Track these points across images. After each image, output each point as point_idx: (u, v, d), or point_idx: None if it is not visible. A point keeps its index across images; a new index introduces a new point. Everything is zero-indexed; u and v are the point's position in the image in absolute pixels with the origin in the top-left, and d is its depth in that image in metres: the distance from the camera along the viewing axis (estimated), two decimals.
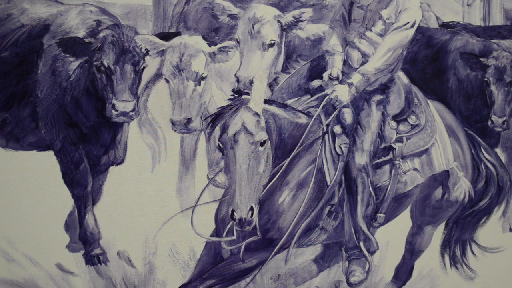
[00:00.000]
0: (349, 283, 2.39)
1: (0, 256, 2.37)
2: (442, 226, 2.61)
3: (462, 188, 2.52)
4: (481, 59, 2.63)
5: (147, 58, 2.45)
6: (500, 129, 2.63)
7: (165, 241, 2.42)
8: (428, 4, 2.67)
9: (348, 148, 2.33)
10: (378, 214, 2.39)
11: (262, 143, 2.17)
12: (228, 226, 2.30)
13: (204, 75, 2.46)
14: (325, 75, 2.36)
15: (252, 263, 2.32)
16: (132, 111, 2.39)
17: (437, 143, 2.46)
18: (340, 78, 2.35)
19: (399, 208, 2.47)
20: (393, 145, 2.39)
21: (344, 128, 2.34)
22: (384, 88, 2.38)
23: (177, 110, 2.41)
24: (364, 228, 2.34)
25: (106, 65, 2.40)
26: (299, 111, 2.33)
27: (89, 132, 2.49)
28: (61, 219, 2.46)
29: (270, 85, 2.52)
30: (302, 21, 2.52)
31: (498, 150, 2.70)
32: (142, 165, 2.46)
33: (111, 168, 2.54)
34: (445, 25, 2.78)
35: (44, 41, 2.48)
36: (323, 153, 2.33)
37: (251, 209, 2.14)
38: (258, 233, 2.24)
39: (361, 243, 2.34)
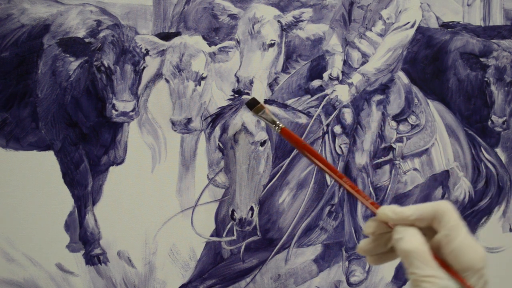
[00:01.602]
0: (349, 283, 2.39)
1: (0, 256, 2.37)
2: None
3: (462, 188, 2.52)
4: (481, 59, 2.63)
5: (147, 58, 2.45)
6: (500, 129, 2.63)
7: (165, 241, 2.42)
8: (428, 4, 2.66)
9: (348, 148, 2.33)
10: None
11: (262, 143, 2.17)
12: (228, 226, 2.30)
13: (204, 75, 2.46)
14: (325, 75, 2.37)
15: (252, 263, 2.32)
16: (132, 111, 2.39)
17: (437, 143, 2.46)
18: (340, 78, 2.35)
19: None
20: (393, 145, 2.39)
21: (344, 128, 2.34)
22: (384, 88, 2.38)
23: (177, 110, 2.41)
24: None
25: (106, 65, 2.40)
26: (299, 111, 2.33)
27: (89, 132, 2.49)
28: (61, 219, 2.45)
29: (270, 85, 2.52)
30: (302, 21, 2.52)
31: (498, 150, 2.70)
32: (142, 165, 2.45)
33: (111, 168, 2.54)
34: (445, 25, 2.78)
35: (44, 41, 2.48)
36: (323, 153, 2.33)
37: (251, 209, 2.15)
38: (258, 233, 2.25)
39: None
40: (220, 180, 2.44)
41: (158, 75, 2.51)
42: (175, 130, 2.42)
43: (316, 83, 2.39)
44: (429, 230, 0.90)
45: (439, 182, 2.49)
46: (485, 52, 2.64)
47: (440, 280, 0.86)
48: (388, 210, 0.92)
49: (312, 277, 2.54)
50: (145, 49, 2.43)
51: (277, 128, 1.00)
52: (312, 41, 2.62)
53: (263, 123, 2.19)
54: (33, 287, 2.38)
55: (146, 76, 2.47)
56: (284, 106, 2.31)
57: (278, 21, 2.51)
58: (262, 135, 2.16)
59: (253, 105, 1.04)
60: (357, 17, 2.36)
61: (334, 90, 2.31)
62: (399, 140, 2.40)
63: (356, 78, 2.31)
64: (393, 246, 0.92)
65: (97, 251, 2.49)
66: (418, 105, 2.44)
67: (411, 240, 0.88)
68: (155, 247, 2.45)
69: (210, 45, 2.50)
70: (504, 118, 2.60)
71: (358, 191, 0.97)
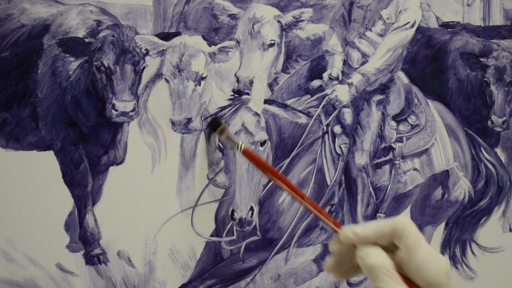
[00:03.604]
0: (349, 283, 2.39)
1: (0, 256, 2.37)
2: (442, 226, 2.60)
3: (462, 188, 2.52)
4: (481, 59, 2.63)
5: (147, 58, 2.45)
6: (500, 129, 2.63)
7: (165, 241, 2.42)
8: (428, 4, 2.66)
9: (348, 148, 2.33)
10: (378, 214, 2.39)
11: (262, 143, 2.17)
12: (228, 226, 2.30)
13: (204, 75, 2.46)
14: (325, 75, 2.37)
15: (252, 263, 2.32)
16: (132, 111, 2.39)
17: (437, 143, 2.46)
18: (340, 78, 2.35)
19: (399, 208, 2.47)
20: (393, 145, 2.39)
21: (344, 128, 2.34)
22: (384, 88, 2.38)
23: (177, 110, 2.41)
24: None
25: (106, 65, 2.40)
26: (299, 111, 2.33)
27: (89, 132, 2.49)
28: (61, 219, 2.45)
29: (270, 85, 2.52)
30: (302, 21, 2.52)
31: (498, 150, 2.70)
32: (142, 165, 2.45)
33: (111, 168, 2.54)
34: (445, 25, 2.78)
35: (44, 41, 2.48)
36: (323, 153, 2.33)
37: (251, 209, 2.15)
38: (258, 233, 2.25)
39: None
40: (220, 180, 2.44)
41: (158, 75, 2.51)
42: (175, 130, 2.42)
43: (316, 83, 2.39)
44: (392, 247, 0.91)
45: (439, 182, 2.49)
46: (485, 52, 2.64)
47: None
48: (349, 232, 0.93)
49: (312, 277, 2.54)
50: (145, 49, 2.43)
51: (239, 149, 0.98)
52: (312, 41, 2.62)
53: (263, 123, 2.19)
54: (33, 287, 2.38)
55: (146, 76, 2.47)
56: (284, 106, 2.31)
57: (278, 21, 2.51)
58: (262, 135, 2.16)
59: (216, 125, 1.00)
60: (357, 17, 2.36)
61: (334, 90, 2.32)
62: (399, 140, 2.40)
63: (356, 78, 2.31)
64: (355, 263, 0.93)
65: (97, 251, 2.49)
66: (418, 105, 2.44)
67: (376, 256, 0.89)
68: (155, 247, 2.45)
69: (210, 45, 2.50)
70: (504, 118, 2.61)
71: (320, 210, 0.98)
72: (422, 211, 2.53)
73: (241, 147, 0.97)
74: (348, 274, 0.96)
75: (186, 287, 2.32)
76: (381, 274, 0.87)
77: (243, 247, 2.28)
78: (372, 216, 2.37)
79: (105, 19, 2.49)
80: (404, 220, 0.92)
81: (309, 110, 2.35)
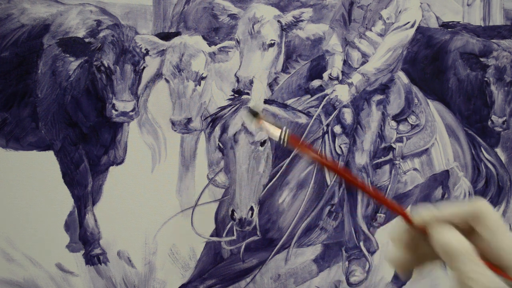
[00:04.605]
0: (349, 283, 2.39)
1: (0, 256, 2.37)
2: None
3: (462, 188, 2.52)
4: (481, 59, 2.63)
5: (147, 58, 2.45)
6: (500, 129, 2.63)
7: (165, 241, 2.42)
8: (428, 4, 2.66)
9: (348, 148, 2.33)
10: (378, 214, 2.39)
11: (262, 143, 2.17)
12: (228, 226, 2.30)
13: (204, 75, 2.46)
14: (325, 75, 2.37)
15: (252, 263, 2.32)
16: (132, 111, 2.39)
17: (437, 143, 2.46)
18: (340, 78, 2.35)
19: None
20: (393, 145, 2.39)
21: (344, 128, 2.34)
22: (384, 88, 2.38)
23: (177, 110, 2.41)
24: (364, 228, 2.34)
25: (106, 65, 2.40)
26: (299, 111, 2.33)
27: (89, 132, 2.49)
28: (61, 219, 2.45)
29: (270, 85, 2.52)
30: (302, 21, 2.52)
31: (498, 150, 2.70)
32: (142, 165, 2.45)
33: (111, 168, 2.54)
34: (445, 25, 2.78)
35: (44, 41, 2.48)
36: (323, 153, 2.33)
37: (251, 209, 2.15)
38: (258, 233, 2.25)
39: (361, 243, 2.35)
40: (220, 180, 2.44)
41: (158, 75, 2.51)
42: (175, 130, 2.42)
43: (316, 83, 2.39)
44: (466, 229, 0.90)
45: (439, 182, 2.49)
46: (485, 52, 2.64)
47: (485, 276, 0.86)
48: (424, 212, 0.91)
49: (312, 277, 2.54)
50: (145, 49, 2.43)
51: (285, 135, 0.93)
52: (312, 41, 2.62)
53: None
54: (33, 287, 2.38)
55: (146, 76, 2.47)
56: (284, 106, 2.31)
57: (278, 21, 2.51)
58: (262, 135, 2.16)
59: (254, 114, 0.98)
60: (357, 17, 2.36)
61: (334, 90, 2.32)
62: (399, 140, 2.40)
63: (356, 78, 2.31)
64: (422, 252, 0.91)
65: (97, 251, 2.49)
66: (418, 105, 2.44)
67: (454, 236, 0.88)
68: (155, 247, 2.45)
69: (210, 45, 2.50)
70: (504, 118, 2.60)
71: (378, 195, 0.96)
72: None
73: (285, 133, 0.93)
74: (412, 266, 0.93)
75: (186, 287, 2.32)
76: (461, 256, 0.86)
77: (243, 247, 2.28)
78: (372, 216, 2.37)
79: (105, 19, 2.49)
80: (485, 203, 0.91)
81: (309, 110, 2.35)
